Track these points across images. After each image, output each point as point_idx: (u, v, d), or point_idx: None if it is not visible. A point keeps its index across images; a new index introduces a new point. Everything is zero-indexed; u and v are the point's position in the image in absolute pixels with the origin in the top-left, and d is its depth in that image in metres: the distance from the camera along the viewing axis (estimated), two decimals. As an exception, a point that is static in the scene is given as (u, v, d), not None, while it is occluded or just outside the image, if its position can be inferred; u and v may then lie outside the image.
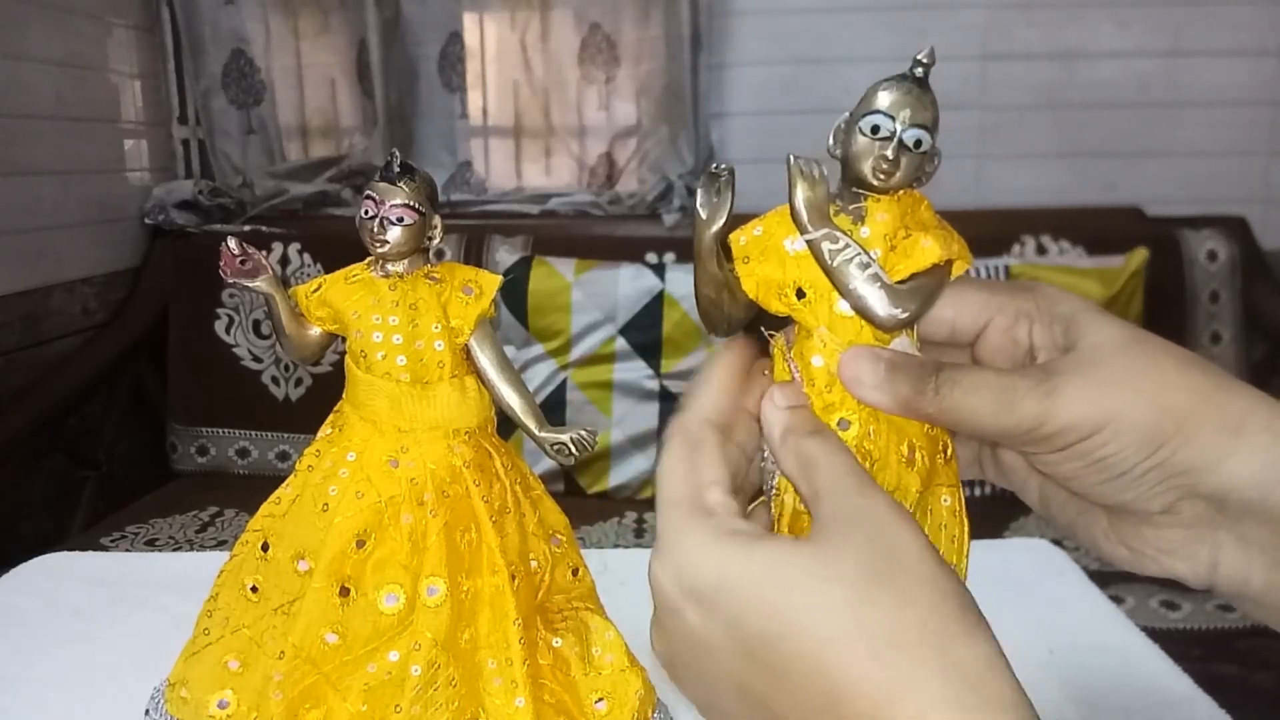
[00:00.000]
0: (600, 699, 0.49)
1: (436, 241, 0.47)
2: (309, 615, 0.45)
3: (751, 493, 0.37)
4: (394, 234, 0.45)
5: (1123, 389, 0.33)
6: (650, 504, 1.53)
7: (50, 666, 0.63)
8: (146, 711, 0.51)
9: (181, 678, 0.49)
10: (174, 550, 1.41)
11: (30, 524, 1.54)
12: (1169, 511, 0.34)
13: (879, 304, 0.32)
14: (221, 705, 0.47)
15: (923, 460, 0.34)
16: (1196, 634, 1.27)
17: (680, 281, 1.62)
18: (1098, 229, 1.78)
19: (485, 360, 0.47)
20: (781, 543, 0.30)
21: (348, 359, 0.47)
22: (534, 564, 0.49)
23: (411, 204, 0.45)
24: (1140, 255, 1.65)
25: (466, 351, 0.47)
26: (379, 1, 1.85)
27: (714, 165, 0.34)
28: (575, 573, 0.51)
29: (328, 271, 0.49)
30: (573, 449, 0.45)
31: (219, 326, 1.76)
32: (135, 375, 1.78)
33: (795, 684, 0.28)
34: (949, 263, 0.34)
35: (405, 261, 0.46)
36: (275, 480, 0.50)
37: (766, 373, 0.36)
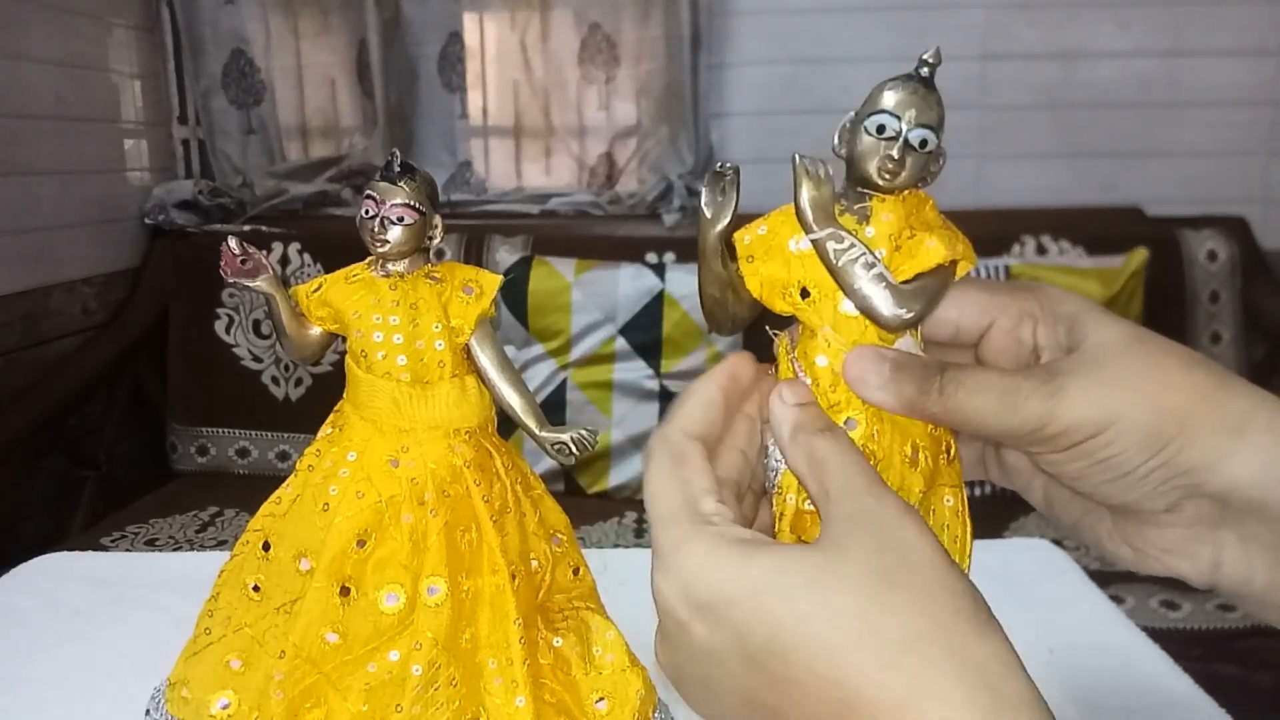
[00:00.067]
0: (601, 699, 0.49)
1: (437, 241, 0.47)
2: (309, 615, 0.45)
3: (755, 498, 0.36)
4: (394, 234, 0.45)
5: (1126, 389, 0.33)
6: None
7: (50, 666, 0.63)
8: (147, 711, 0.50)
9: (182, 677, 0.49)
10: (174, 550, 1.40)
11: (30, 524, 1.54)
12: (1172, 511, 0.34)
13: (884, 304, 0.32)
14: (223, 705, 0.47)
15: (926, 460, 0.34)
16: (1196, 634, 1.27)
17: (680, 281, 1.62)
18: (1098, 229, 1.78)
19: (486, 360, 0.47)
20: (788, 550, 0.30)
21: (348, 359, 0.47)
22: (535, 564, 0.49)
23: (412, 204, 0.45)
24: (1140, 255, 1.65)
25: (467, 351, 0.47)
26: (379, 1, 1.85)
27: (719, 164, 0.34)
28: (576, 572, 0.51)
29: (328, 271, 0.49)
30: (573, 449, 0.45)
31: (219, 326, 1.76)
32: (135, 375, 1.78)
33: (808, 694, 0.27)
34: (953, 263, 0.34)
35: (405, 261, 0.46)
36: (275, 480, 0.50)
37: (771, 372, 0.36)
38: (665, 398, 1.63)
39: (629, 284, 1.63)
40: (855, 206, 0.33)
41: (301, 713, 0.46)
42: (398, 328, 0.46)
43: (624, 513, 1.56)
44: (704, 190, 0.34)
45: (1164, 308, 1.69)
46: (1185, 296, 1.75)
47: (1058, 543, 0.85)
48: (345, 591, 0.45)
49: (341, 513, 0.45)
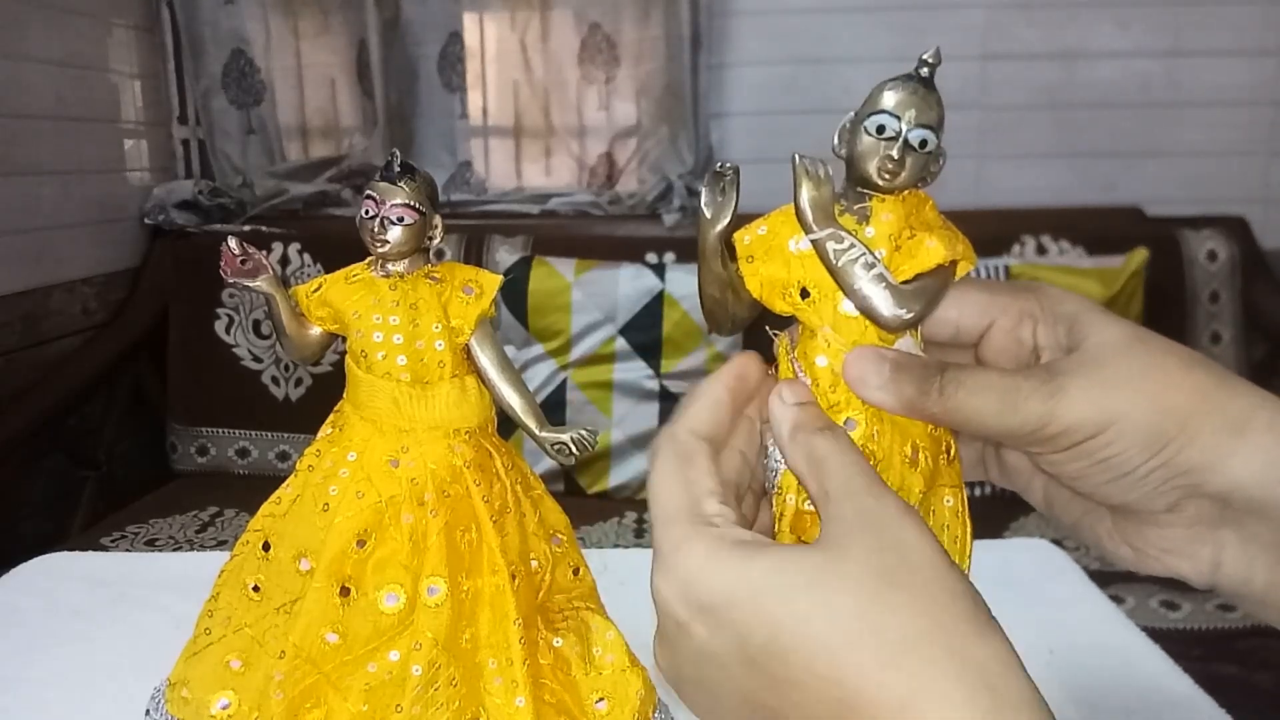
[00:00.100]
0: (601, 699, 0.49)
1: (437, 241, 0.47)
2: (309, 615, 0.45)
3: (755, 498, 0.36)
4: (394, 234, 0.45)
5: (1126, 389, 0.33)
6: (650, 504, 1.53)
7: (50, 666, 0.63)
8: (147, 712, 0.50)
9: (182, 677, 0.49)
10: (174, 550, 1.40)
11: (30, 524, 1.54)
12: (1173, 510, 0.34)
13: (884, 304, 0.32)
14: (223, 705, 0.47)
15: (926, 461, 0.34)
16: (1196, 634, 1.27)
17: (680, 281, 1.62)
18: (1098, 229, 1.78)
19: (486, 360, 0.47)
20: (788, 551, 0.30)
21: (348, 359, 0.47)
22: (534, 564, 0.49)
23: (412, 204, 0.45)
24: (1140, 255, 1.65)
25: (467, 351, 0.47)
26: (379, 1, 1.85)
27: (719, 164, 0.34)
28: (576, 572, 0.51)
29: (328, 271, 0.49)
30: (573, 449, 0.45)
31: (219, 326, 1.76)
32: (135, 375, 1.78)
33: (808, 695, 0.27)
34: (953, 263, 0.34)
35: (405, 261, 0.46)
36: (275, 480, 0.50)
37: (771, 373, 0.36)
38: (665, 398, 1.63)
39: (629, 284, 1.63)
40: (855, 206, 0.33)
41: (301, 713, 0.46)
42: (398, 328, 0.46)
43: (624, 513, 1.56)
44: (704, 190, 0.34)
45: (1164, 308, 1.69)
46: (1185, 296, 1.75)
47: (1058, 543, 0.85)
48: (345, 592, 0.45)
49: (341, 513, 0.45)
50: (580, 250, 1.70)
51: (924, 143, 0.32)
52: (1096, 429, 0.32)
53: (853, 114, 0.33)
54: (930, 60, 0.32)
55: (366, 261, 0.47)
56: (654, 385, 1.63)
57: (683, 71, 1.82)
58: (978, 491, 1.34)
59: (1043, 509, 0.39)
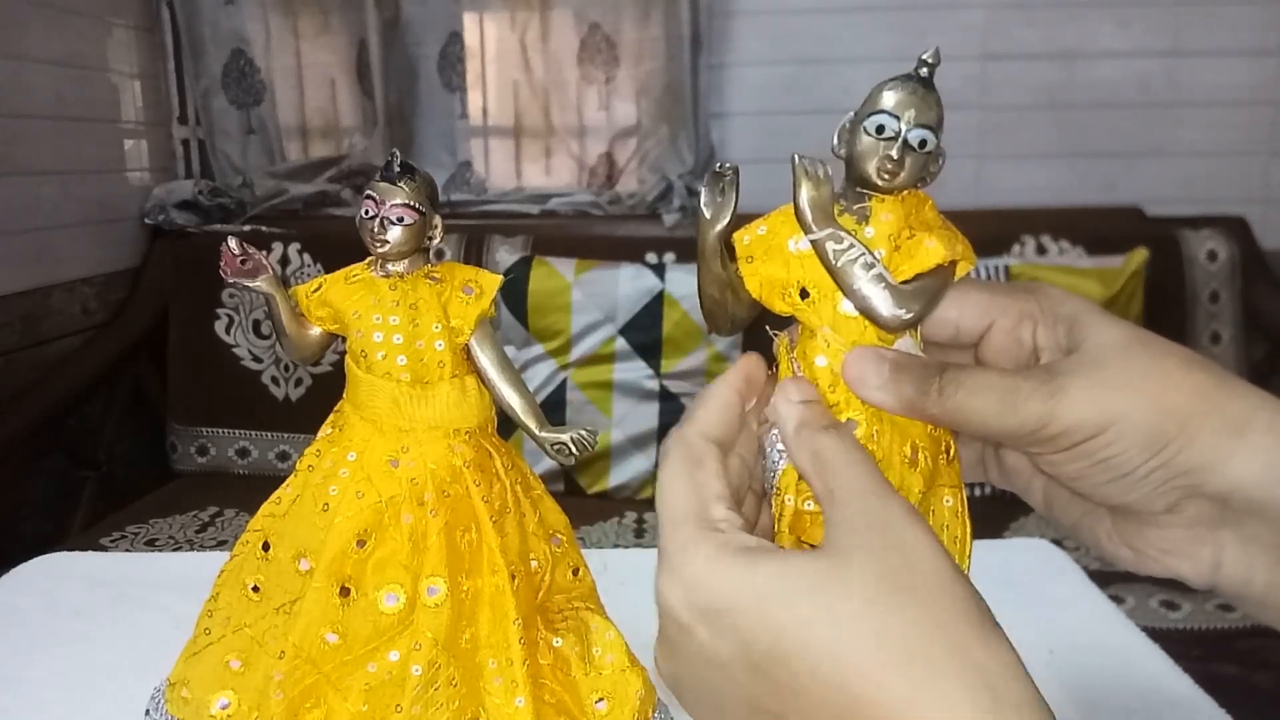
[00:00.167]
0: (601, 699, 0.49)
1: (437, 241, 0.47)
2: (309, 615, 0.45)
3: (755, 500, 0.36)
4: (394, 234, 0.45)
5: (1126, 390, 0.33)
6: (650, 504, 1.53)
7: (50, 666, 0.63)
8: (147, 712, 0.50)
9: (182, 677, 0.49)
10: (174, 550, 1.40)
11: (30, 524, 1.54)
12: (1172, 511, 0.34)
13: (883, 304, 0.32)
14: (222, 705, 0.47)
15: (926, 461, 0.34)
16: (1196, 634, 1.27)
17: (680, 281, 1.62)
18: (1098, 229, 1.78)
19: (485, 360, 0.47)
20: (792, 557, 0.30)
21: (348, 359, 0.47)
22: (534, 564, 0.49)
23: (412, 204, 0.45)
24: (1140, 255, 1.65)
25: (467, 351, 0.47)
26: (379, 1, 1.85)
27: (718, 164, 0.34)
28: (576, 572, 0.51)
29: (328, 271, 0.49)
30: (573, 449, 0.45)
31: (219, 326, 1.76)
32: (135, 375, 1.78)
33: (812, 700, 0.27)
34: (953, 263, 0.34)
35: (405, 261, 0.46)
36: (275, 480, 0.50)
37: (771, 373, 0.36)
38: (665, 398, 1.63)
39: (629, 284, 1.63)
40: (855, 207, 0.33)
41: (301, 713, 0.46)
42: (397, 328, 0.46)
43: (624, 513, 1.56)
44: (703, 190, 0.34)
45: (1164, 308, 1.69)
46: (1185, 296, 1.75)
47: (1058, 543, 0.85)
48: (345, 592, 0.45)
49: (341, 513, 0.45)
50: (580, 250, 1.70)
51: (923, 143, 0.32)
52: (1096, 429, 0.32)
53: (852, 114, 0.33)
54: (930, 60, 0.32)
55: (366, 261, 0.47)
56: (654, 385, 1.63)
57: (683, 71, 1.82)
58: (978, 491, 1.34)
59: (1042, 510, 0.39)
